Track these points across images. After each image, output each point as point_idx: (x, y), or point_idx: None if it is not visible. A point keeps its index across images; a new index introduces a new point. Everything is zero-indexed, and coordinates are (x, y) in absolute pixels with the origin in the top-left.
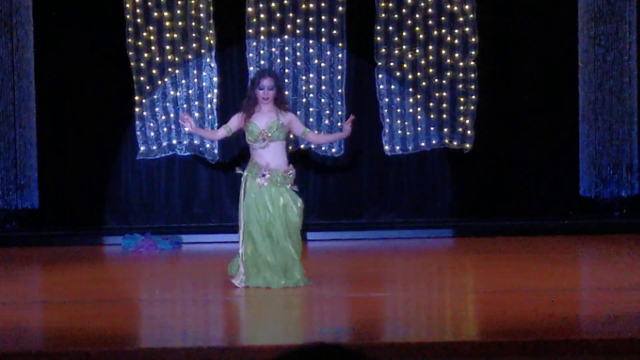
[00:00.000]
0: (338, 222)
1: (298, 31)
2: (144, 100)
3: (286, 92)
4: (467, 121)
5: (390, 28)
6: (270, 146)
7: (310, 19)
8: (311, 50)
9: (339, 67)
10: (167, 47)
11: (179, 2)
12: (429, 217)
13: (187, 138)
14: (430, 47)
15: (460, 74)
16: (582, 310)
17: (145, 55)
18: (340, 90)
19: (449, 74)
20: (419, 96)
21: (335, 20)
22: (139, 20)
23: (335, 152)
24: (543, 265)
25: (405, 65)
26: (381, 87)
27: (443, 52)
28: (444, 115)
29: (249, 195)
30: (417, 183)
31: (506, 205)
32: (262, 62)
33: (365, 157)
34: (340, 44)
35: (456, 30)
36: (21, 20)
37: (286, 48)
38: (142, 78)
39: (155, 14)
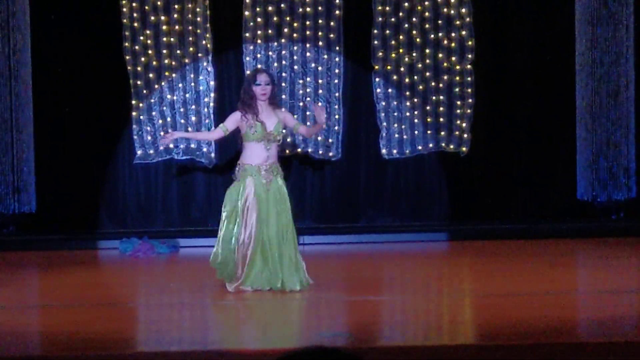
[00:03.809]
0: (335, 226)
1: (295, 35)
2: (141, 104)
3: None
4: (464, 125)
5: (387, 32)
6: (272, 146)
7: (307, 22)
8: (308, 54)
9: (336, 71)
10: (164, 51)
11: (176, 6)
12: (426, 220)
13: (184, 142)
14: (427, 51)
15: (457, 78)
16: (579, 314)
17: (142, 59)
18: (337, 94)
19: (445, 77)
20: (415, 100)
21: (332, 24)
22: (135, 24)
23: (332, 155)
24: (541, 269)
25: (402, 69)
26: (378, 90)
27: (440, 55)
28: (441, 119)
29: (253, 198)
30: (414, 187)
31: (503, 208)
32: (259, 66)
33: (363, 161)
34: (337, 48)
35: (453, 34)
36: (18, 24)
37: (283, 52)
38: (139, 82)
39: (152, 17)
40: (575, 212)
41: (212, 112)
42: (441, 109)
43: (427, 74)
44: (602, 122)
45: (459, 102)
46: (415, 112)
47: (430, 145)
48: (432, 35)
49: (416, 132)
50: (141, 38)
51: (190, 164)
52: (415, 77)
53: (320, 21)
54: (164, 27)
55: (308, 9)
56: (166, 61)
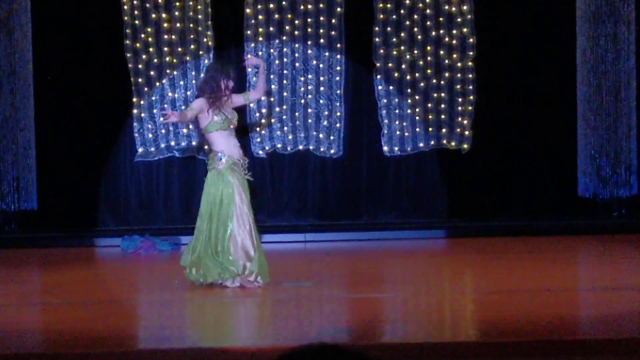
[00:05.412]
0: (337, 223)
1: (296, 32)
2: (142, 102)
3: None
4: (465, 122)
5: (389, 29)
6: (233, 132)
7: (309, 20)
8: (309, 52)
9: (338, 68)
10: (165, 49)
11: (177, 4)
12: (428, 217)
13: (186, 140)
14: (429, 48)
15: (459, 75)
16: (580, 311)
17: (143, 56)
18: (338, 92)
19: (447, 74)
20: (417, 97)
21: (333, 21)
22: (137, 21)
23: (334, 153)
24: (542, 266)
25: (403, 66)
26: (379, 88)
27: (441, 52)
28: (442, 116)
29: (241, 194)
30: (416, 184)
31: (505, 205)
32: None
33: (364, 158)
34: (338, 45)
35: (454, 31)
36: (19, 22)
37: (285, 49)
38: (140, 80)
39: (153, 15)
40: (576, 209)
41: None
42: (442, 106)
43: (429, 71)
44: (603, 118)
45: (460, 100)
46: (417, 110)
47: (432, 142)
48: (434, 33)
49: (417, 129)
50: (142, 35)
51: (191, 161)
52: (417, 75)
53: (321, 19)
54: (165, 25)
55: (309, 7)
56: (167, 59)
